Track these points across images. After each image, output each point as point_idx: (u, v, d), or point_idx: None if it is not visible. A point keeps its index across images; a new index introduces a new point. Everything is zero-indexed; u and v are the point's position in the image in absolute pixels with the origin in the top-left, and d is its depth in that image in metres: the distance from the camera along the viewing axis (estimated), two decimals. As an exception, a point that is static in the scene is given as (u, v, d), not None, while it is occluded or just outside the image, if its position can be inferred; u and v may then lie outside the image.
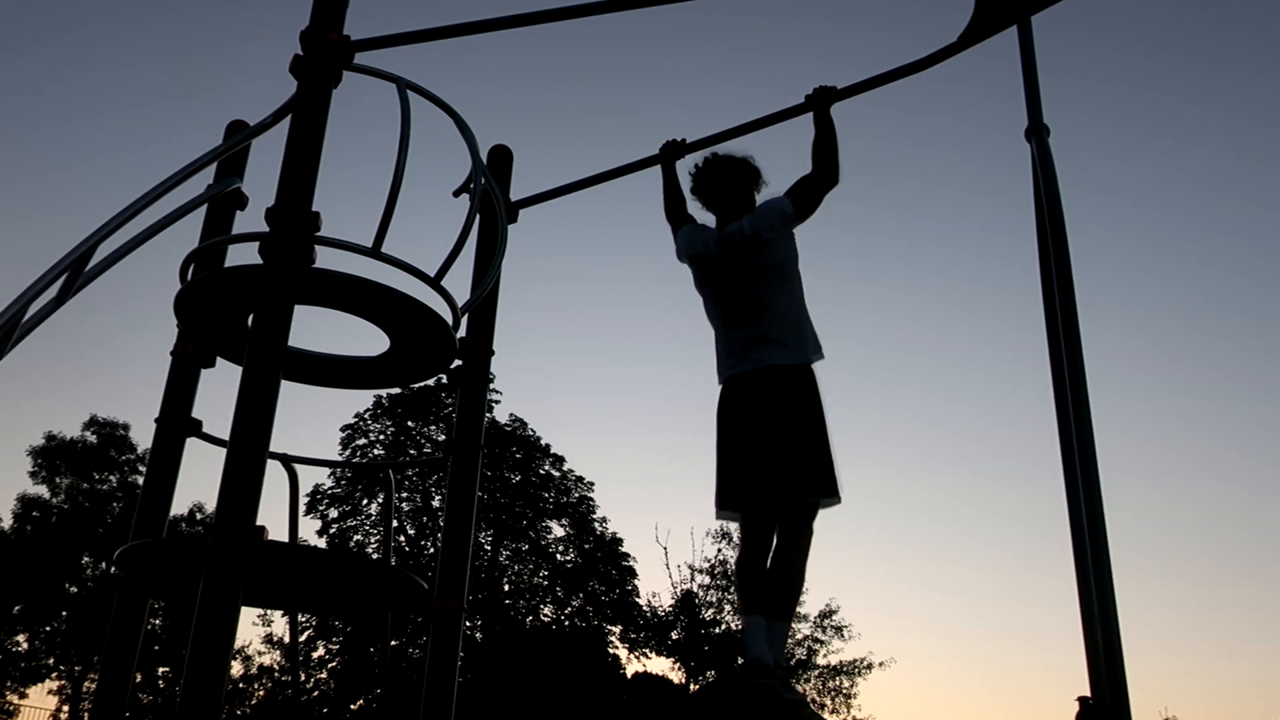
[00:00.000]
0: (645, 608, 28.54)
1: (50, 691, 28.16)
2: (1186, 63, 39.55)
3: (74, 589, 28.16)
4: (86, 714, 26.59)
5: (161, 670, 27.56)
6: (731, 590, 27.84)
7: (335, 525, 27.74)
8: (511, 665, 25.15)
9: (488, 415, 13.34)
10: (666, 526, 40.92)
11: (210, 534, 2.55)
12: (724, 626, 27.66)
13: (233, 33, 38.20)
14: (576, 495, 29.30)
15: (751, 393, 3.71)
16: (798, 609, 3.68)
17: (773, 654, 3.42)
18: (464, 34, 3.37)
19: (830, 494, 3.62)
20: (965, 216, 39.25)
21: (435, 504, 27.55)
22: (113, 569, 7.87)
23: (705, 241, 3.98)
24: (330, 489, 28.05)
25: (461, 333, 3.63)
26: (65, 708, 27.84)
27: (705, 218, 4.16)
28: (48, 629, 27.73)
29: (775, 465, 3.59)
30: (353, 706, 26.28)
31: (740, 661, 3.55)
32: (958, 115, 37.23)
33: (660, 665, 28.16)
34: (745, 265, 3.82)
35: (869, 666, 28.11)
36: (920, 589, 38.50)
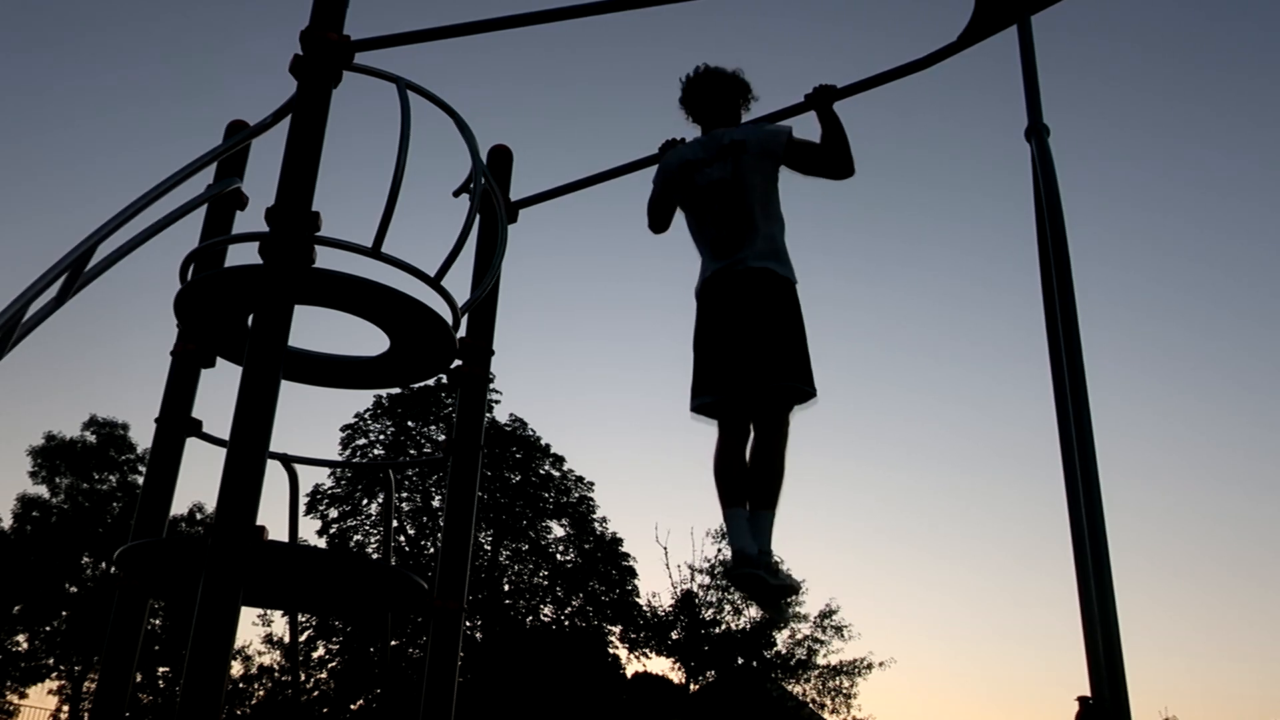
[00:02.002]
0: (645, 608, 28.55)
1: (50, 691, 28.18)
2: (1186, 63, 39.58)
3: (74, 589, 28.15)
4: (86, 714, 26.60)
5: (161, 670, 27.56)
6: (732, 590, 27.83)
7: (335, 525, 27.73)
8: (511, 665, 25.14)
9: (488, 415, 13.34)
10: (666, 526, 40.90)
11: (210, 534, 2.55)
12: (724, 626, 27.66)
13: (233, 33, 38.22)
14: (576, 495, 29.30)
15: (729, 288, 3.69)
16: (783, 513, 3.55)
17: (757, 543, 3.37)
18: (464, 34, 3.37)
19: (806, 383, 3.58)
20: (965, 216, 39.28)
21: (435, 504, 27.54)
22: (113, 569, 7.88)
23: (686, 150, 3.95)
24: (330, 489, 28.05)
25: (461, 333, 3.64)
26: (65, 708, 27.84)
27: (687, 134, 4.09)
28: (48, 629, 27.72)
29: (753, 350, 3.56)
30: (353, 706, 26.27)
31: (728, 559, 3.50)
32: (958, 115, 37.25)
33: (660, 665, 28.18)
34: (729, 171, 3.78)
35: (869, 666, 28.11)
36: (920, 589, 38.54)
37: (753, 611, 27.76)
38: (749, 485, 3.52)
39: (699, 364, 3.73)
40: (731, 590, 27.84)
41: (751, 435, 3.62)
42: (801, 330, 3.66)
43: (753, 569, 3.32)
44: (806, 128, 3.93)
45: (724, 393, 3.63)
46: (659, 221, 4.08)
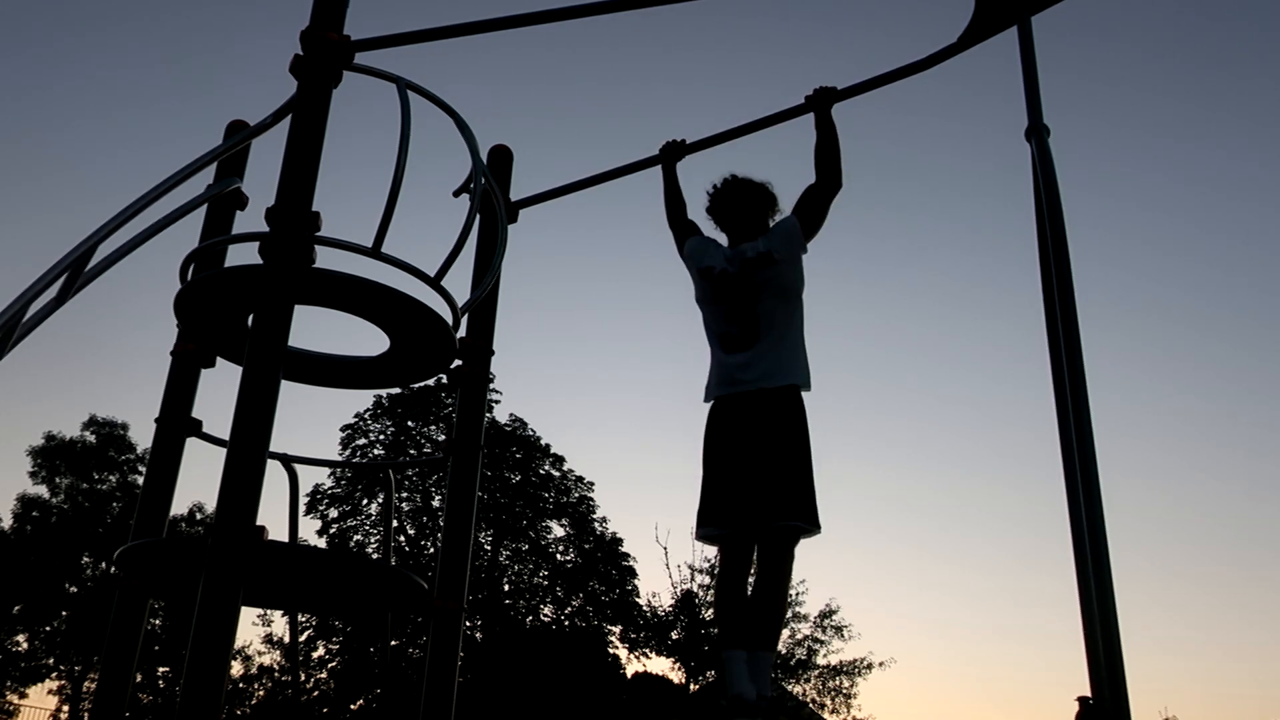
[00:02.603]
0: (645, 608, 28.55)
1: (50, 691, 28.19)
2: (1186, 63, 39.57)
3: (74, 589, 28.15)
4: (86, 714, 26.59)
5: (161, 670, 27.56)
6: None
7: (335, 525, 27.73)
8: (511, 665, 25.14)
9: (488, 415, 13.34)
10: (666, 526, 40.83)
11: (210, 534, 2.55)
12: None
13: (233, 33, 38.22)
14: (576, 495, 29.30)
15: (740, 415, 3.70)
16: (783, 634, 3.64)
17: (755, 687, 3.37)
18: (464, 34, 3.37)
19: (811, 522, 3.60)
20: (965, 217, 39.23)
21: (435, 504, 27.54)
22: (113, 569, 7.87)
23: (716, 256, 3.98)
24: (330, 489, 28.05)
25: (461, 333, 3.64)
26: (65, 708, 27.85)
27: (715, 234, 4.16)
28: (48, 629, 27.72)
29: (760, 486, 3.58)
30: (353, 706, 26.28)
31: (723, 699, 3.51)
32: (958, 115, 37.26)
33: (660, 665, 28.19)
34: (752, 283, 3.81)
35: (869, 666, 28.13)
36: (920, 589, 38.54)
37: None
38: (749, 622, 3.52)
39: (707, 494, 3.75)
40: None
41: (755, 568, 3.64)
42: (808, 461, 3.67)
43: (751, 717, 3.33)
44: (806, 126, 3.94)
45: (730, 528, 3.66)
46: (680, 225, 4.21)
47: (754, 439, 3.64)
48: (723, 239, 4.10)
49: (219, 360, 3.63)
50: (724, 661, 3.51)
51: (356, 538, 27.60)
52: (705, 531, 3.72)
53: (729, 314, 3.85)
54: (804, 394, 3.76)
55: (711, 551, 27.89)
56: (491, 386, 11.36)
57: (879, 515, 38.62)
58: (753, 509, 3.58)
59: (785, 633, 27.84)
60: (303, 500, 6.61)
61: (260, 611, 21.31)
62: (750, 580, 3.67)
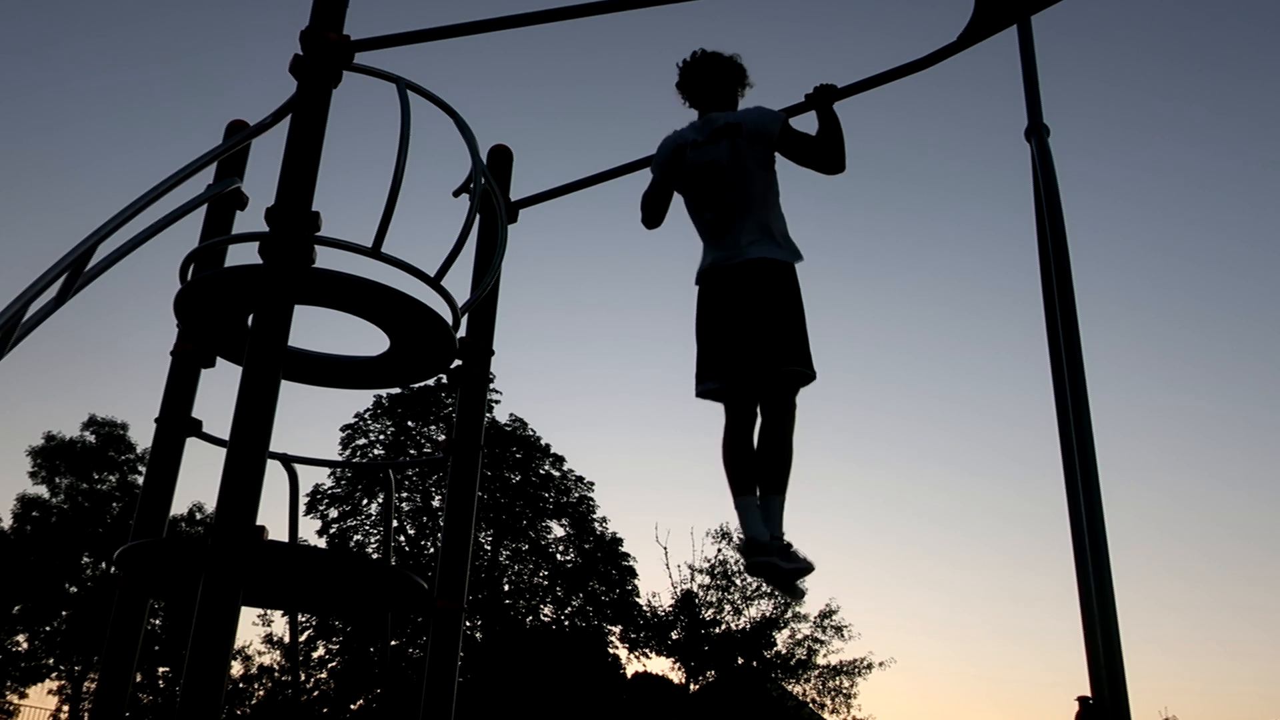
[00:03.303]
0: (645, 608, 28.55)
1: (50, 691, 28.18)
2: (1186, 63, 39.58)
3: (74, 589, 28.15)
4: (86, 714, 26.60)
5: (161, 670, 27.55)
6: (731, 590, 27.85)
7: (335, 525, 27.73)
8: (511, 665, 25.14)
9: (488, 415, 13.34)
10: (666, 526, 40.99)
11: (210, 534, 2.55)
12: (724, 626, 27.66)
13: (233, 33, 38.23)
14: (576, 495, 29.30)
15: (729, 279, 3.74)
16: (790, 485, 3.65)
17: (769, 529, 3.45)
18: (464, 34, 3.37)
19: (806, 366, 3.64)
20: (965, 217, 39.27)
21: (435, 504, 27.54)
22: (113, 569, 7.87)
23: (683, 133, 3.97)
24: (330, 489, 28.05)
25: (461, 333, 3.64)
26: (65, 708, 27.84)
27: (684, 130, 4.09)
28: (48, 629, 27.71)
29: (755, 336, 3.63)
30: (353, 706, 26.27)
31: (739, 541, 3.58)
32: (958, 115, 37.27)
33: (660, 665, 28.18)
34: (724, 152, 3.80)
35: (869, 666, 28.11)
36: (920, 589, 38.55)
37: (753, 611, 27.83)
38: (758, 470, 3.60)
39: (702, 351, 3.79)
40: (731, 590, 27.87)
41: (759, 419, 3.69)
42: (799, 313, 3.71)
43: (766, 556, 3.41)
44: (806, 126, 3.94)
45: (727, 379, 3.70)
46: (653, 213, 4.09)
47: (744, 301, 3.68)
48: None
49: (219, 360, 3.63)
50: (738, 509, 3.57)
51: (356, 538, 27.60)
52: (706, 386, 3.74)
53: (707, 199, 3.84)
54: (796, 266, 3.79)
55: (711, 551, 27.93)
56: (491, 386, 11.36)
57: (879, 515, 38.68)
58: (749, 360, 3.63)
59: (785, 632, 27.88)
60: (303, 500, 6.62)
61: (260, 611, 21.32)
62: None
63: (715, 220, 3.81)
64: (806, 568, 3.49)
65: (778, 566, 3.41)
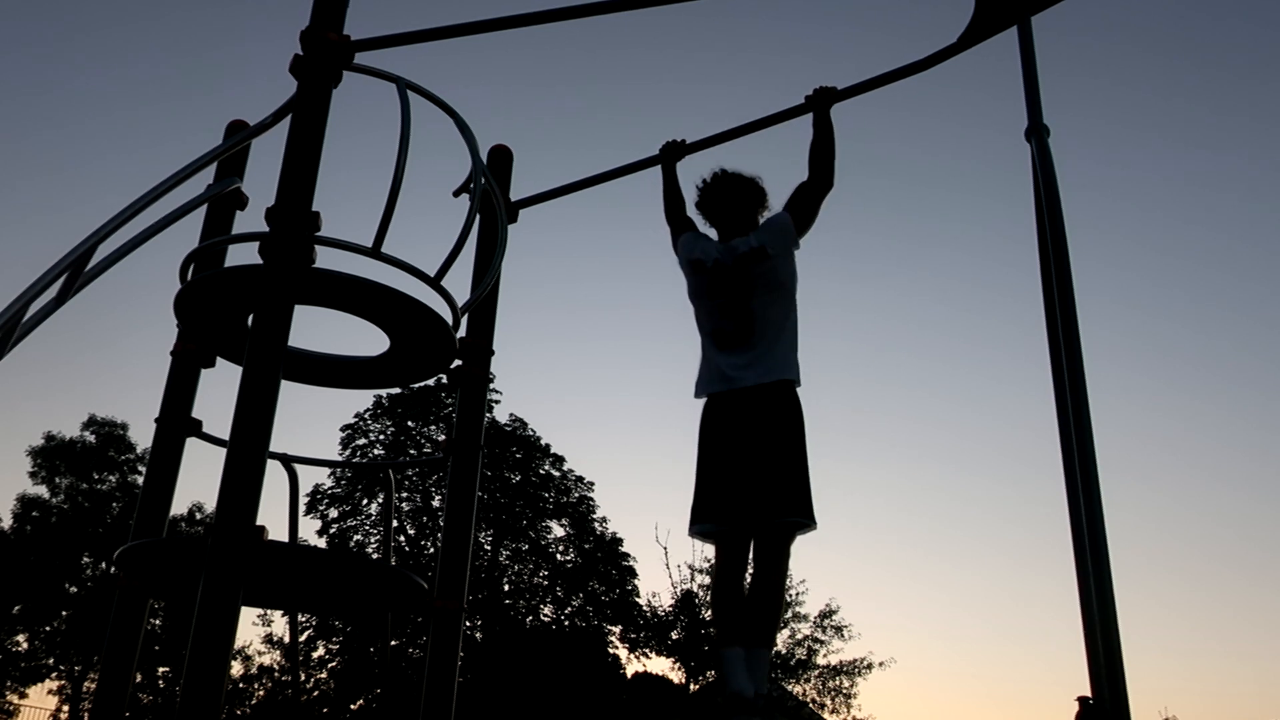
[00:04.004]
0: (645, 608, 28.55)
1: (50, 691, 28.18)
2: (1187, 63, 39.58)
3: (74, 589, 28.15)
4: (86, 714, 26.59)
5: (161, 670, 27.55)
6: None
7: (335, 525, 27.73)
8: (511, 665, 25.14)
9: (488, 415, 13.34)
10: (666, 526, 40.83)
11: (210, 534, 2.55)
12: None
13: (233, 33, 38.21)
14: (576, 495, 29.30)
15: (735, 411, 3.69)
16: (782, 627, 3.63)
17: (753, 685, 3.36)
18: (464, 34, 3.37)
19: (808, 517, 3.58)
20: (965, 217, 39.26)
21: (435, 504, 27.54)
22: (113, 569, 7.87)
23: (707, 250, 3.96)
24: (330, 489, 28.05)
25: (461, 333, 3.64)
26: (65, 708, 27.84)
27: (706, 230, 4.15)
28: (48, 629, 27.71)
29: (757, 482, 3.56)
30: (353, 706, 26.27)
31: (721, 696, 3.51)
32: (958, 115, 37.27)
33: (660, 665, 28.18)
34: (745, 278, 3.79)
35: (869, 666, 28.12)
36: (920, 589, 38.55)
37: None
38: (747, 619, 3.51)
39: (701, 489, 3.72)
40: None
41: (751, 564, 3.62)
42: (804, 457, 3.65)
43: (749, 715, 3.32)
44: (806, 126, 3.94)
45: (725, 524, 3.64)
46: (675, 212, 4.21)
47: (750, 435, 3.63)
48: (714, 234, 4.09)
49: (219, 360, 3.63)
50: (721, 660, 3.50)
51: (356, 538, 27.60)
52: (701, 528, 3.69)
53: (722, 310, 3.83)
54: (798, 390, 3.75)
55: (711, 551, 27.88)
56: (491, 386, 11.36)
57: (879, 515, 38.66)
58: (750, 505, 3.57)
59: (785, 633, 27.85)
60: (303, 500, 6.61)
61: (260, 611, 21.32)
62: (748, 578, 3.66)
63: (728, 332, 3.79)
64: None
65: None
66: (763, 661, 3.44)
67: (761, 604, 3.52)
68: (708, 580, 28.07)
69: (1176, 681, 37.28)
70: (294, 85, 3.04)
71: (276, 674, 27.28)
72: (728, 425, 3.70)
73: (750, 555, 3.64)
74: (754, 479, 3.57)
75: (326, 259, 2.89)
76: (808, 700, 27.70)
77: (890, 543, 39.40)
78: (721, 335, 3.81)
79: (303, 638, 25.58)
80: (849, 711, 27.63)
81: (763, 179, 4.06)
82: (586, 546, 28.75)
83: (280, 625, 26.15)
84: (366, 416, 28.77)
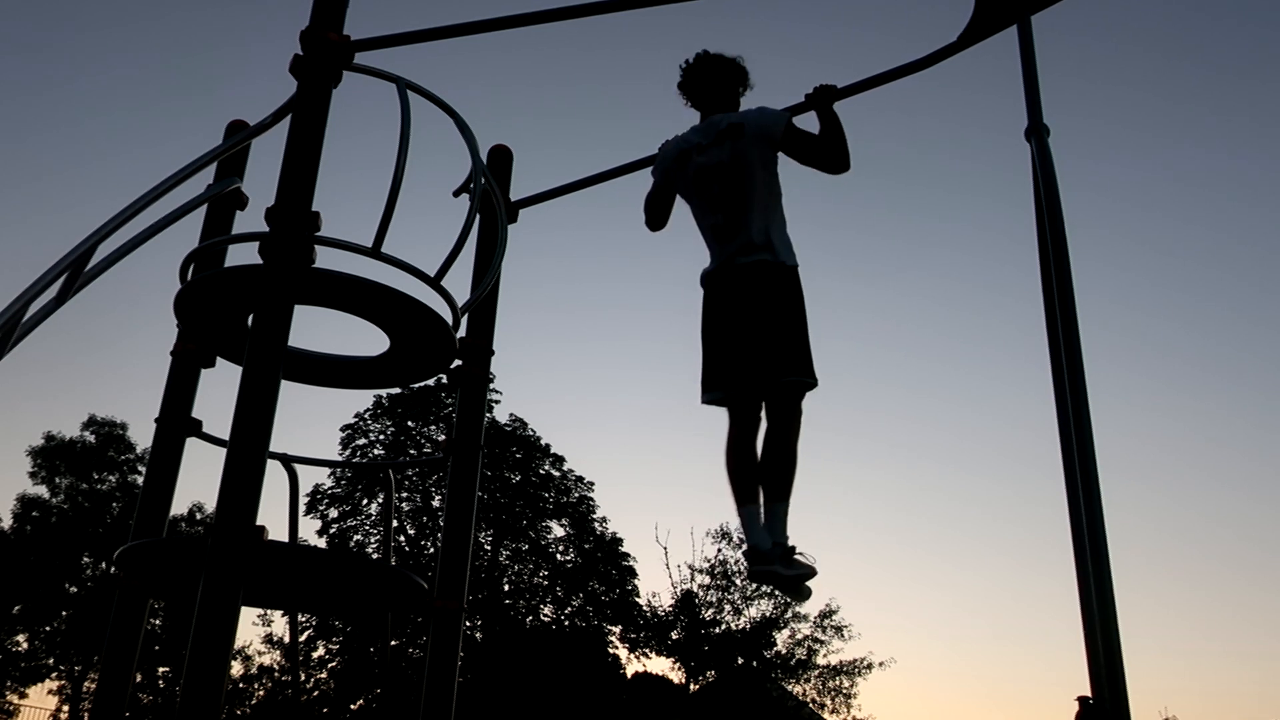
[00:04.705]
0: (645, 608, 28.55)
1: (50, 691, 28.17)
2: (1187, 63, 39.59)
3: (74, 589, 28.15)
4: (86, 714, 26.60)
5: (161, 670, 27.55)
6: (731, 590, 27.84)
7: (335, 525, 27.73)
8: (511, 665, 25.14)
9: (488, 415, 13.34)
10: (666, 526, 40.99)
11: (210, 534, 2.55)
12: (724, 626, 27.66)
13: (233, 33, 38.21)
14: (576, 495, 29.29)
15: (732, 284, 3.76)
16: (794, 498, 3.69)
17: (772, 536, 3.49)
18: (464, 34, 3.37)
19: (807, 374, 3.67)
20: (965, 217, 39.26)
21: (435, 504, 27.54)
22: (113, 569, 7.88)
23: (687, 137, 3.97)
24: (330, 489, 28.04)
25: (461, 333, 3.64)
26: (65, 708, 27.84)
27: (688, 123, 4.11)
28: (48, 629, 27.71)
29: (757, 347, 3.65)
30: (353, 706, 26.27)
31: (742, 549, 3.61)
32: (958, 115, 37.29)
33: (660, 665, 28.18)
34: (724, 152, 3.81)
35: (869, 666, 28.11)
36: (920, 589, 38.56)
37: (753, 611, 27.83)
38: (762, 478, 3.62)
39: (706, 360, 3.81)
40: (731, 590, 27.87)
41: (763, 425, 3.71)
42: (802, 320, 3.73)
43: (768, 565, 3.45)
44: (808, 125, 3.94)
45: (731, 388, 3.73)
46: (656, 216, 4.12)
47: (746, 307, 3.71)
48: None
49: (219, 360, 3.63)
50: (739, 517, 3.62)
51: (356, 538, 27.60)
52: (711, 395, 3.79)
53: (711, 201, 3.85)
54: (798, 269, 3.80)
55: (711, 550, 27.90)
56: (491, 386, 11.37)
57: (879, 515, 38.68)
58: (752, 370, 3.66)
59: (785, 632, 27.88)
60: (303, 500, 6.62)
61: (260, 611, 21.33)
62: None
63: (722, 224, 3.81)
64: (809, 572, 3.51)
65: (779, 574, 3.44)
66: (781, 514, 3.55)
67: (776, 461, 3.61)
68: (708, 580, 28.11)
69: (1176, 681, 37.32)
70: (294, 85, 3.04)
71: (276, 674, 27.28)
72: (727, 297, 3.77)
73: (760, 415, 3.73)
74: (754, 344, 3.66)
75: (326, 259, 2.89)
76: (808, 700, 27.70)
77: (890, 543, 39.43)
78: (717, 229, 3.84)
79: (303, 638, 25.59)
80: (849, 711, 27.65)
81: (744, 59, 4.07)
82: (586, 546, 28.75)
83: (280, 625, 26.16)
84: (366, 416, 28.78)
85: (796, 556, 3.49)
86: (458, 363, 3.78)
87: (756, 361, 3.65)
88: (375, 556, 24.41)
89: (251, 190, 3.76)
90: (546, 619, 27.88)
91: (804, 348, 3.70)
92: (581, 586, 28.13)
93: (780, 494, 3.57)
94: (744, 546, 3.55)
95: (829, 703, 27.68)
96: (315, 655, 26.32)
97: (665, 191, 4.05)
